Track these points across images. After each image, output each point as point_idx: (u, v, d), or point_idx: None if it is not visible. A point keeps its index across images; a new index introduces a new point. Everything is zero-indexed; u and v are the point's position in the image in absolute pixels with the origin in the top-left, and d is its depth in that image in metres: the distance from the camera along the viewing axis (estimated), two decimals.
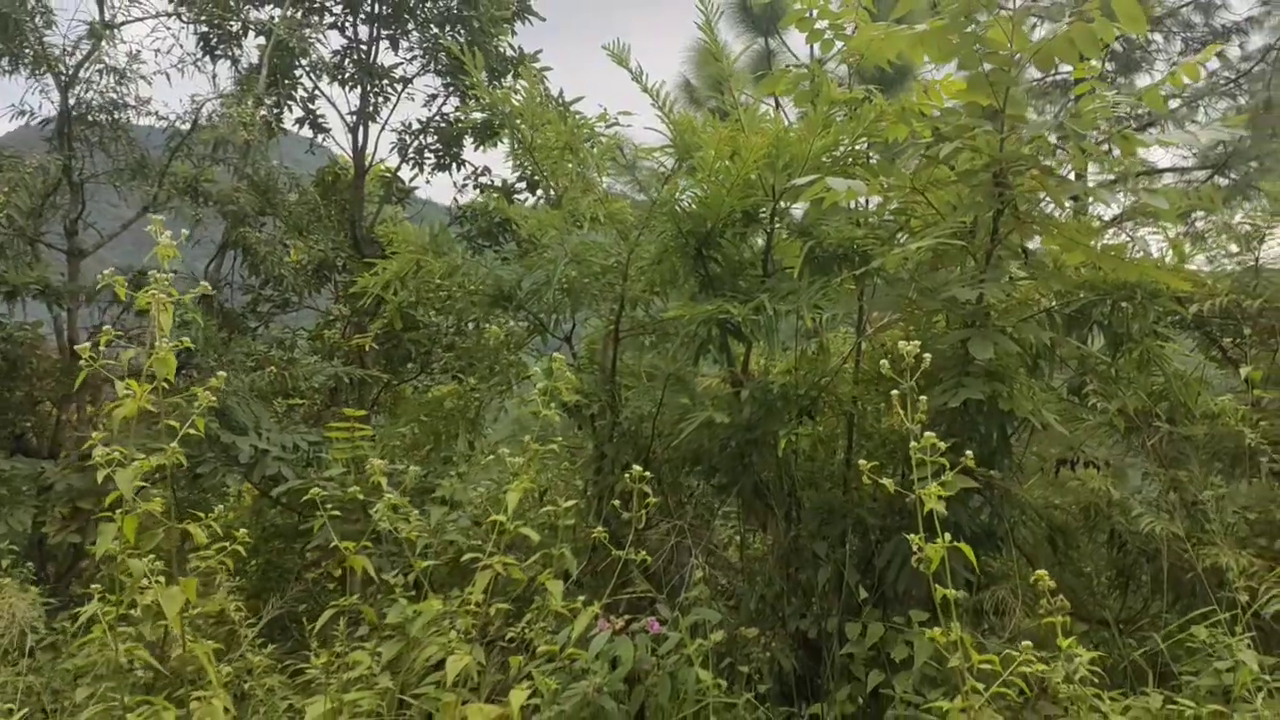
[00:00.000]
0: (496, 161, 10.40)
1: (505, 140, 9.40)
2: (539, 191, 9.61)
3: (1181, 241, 4.80)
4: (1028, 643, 2.92)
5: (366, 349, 7.94)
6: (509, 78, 9.83)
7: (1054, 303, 4.41)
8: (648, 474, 3.47)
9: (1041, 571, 3.25)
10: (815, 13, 4.71)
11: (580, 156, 4.75)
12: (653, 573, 4.13)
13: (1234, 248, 5.05)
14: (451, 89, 9.80)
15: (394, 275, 5.04)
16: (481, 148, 10.05)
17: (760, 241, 4.57)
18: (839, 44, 4.63)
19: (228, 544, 3.15)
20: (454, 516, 3.97)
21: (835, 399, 4.63)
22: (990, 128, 3.87)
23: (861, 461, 3.25)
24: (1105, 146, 3.91)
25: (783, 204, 4.42)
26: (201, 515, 3.11)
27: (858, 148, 4.38)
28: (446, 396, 5.61)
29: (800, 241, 4.44)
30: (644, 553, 3.66)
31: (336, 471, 5.38)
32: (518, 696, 3.13)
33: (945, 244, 3.81)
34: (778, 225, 4.48)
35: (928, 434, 2.69)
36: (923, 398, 3.06)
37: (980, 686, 2.87)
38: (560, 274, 4.39)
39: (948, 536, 2.82)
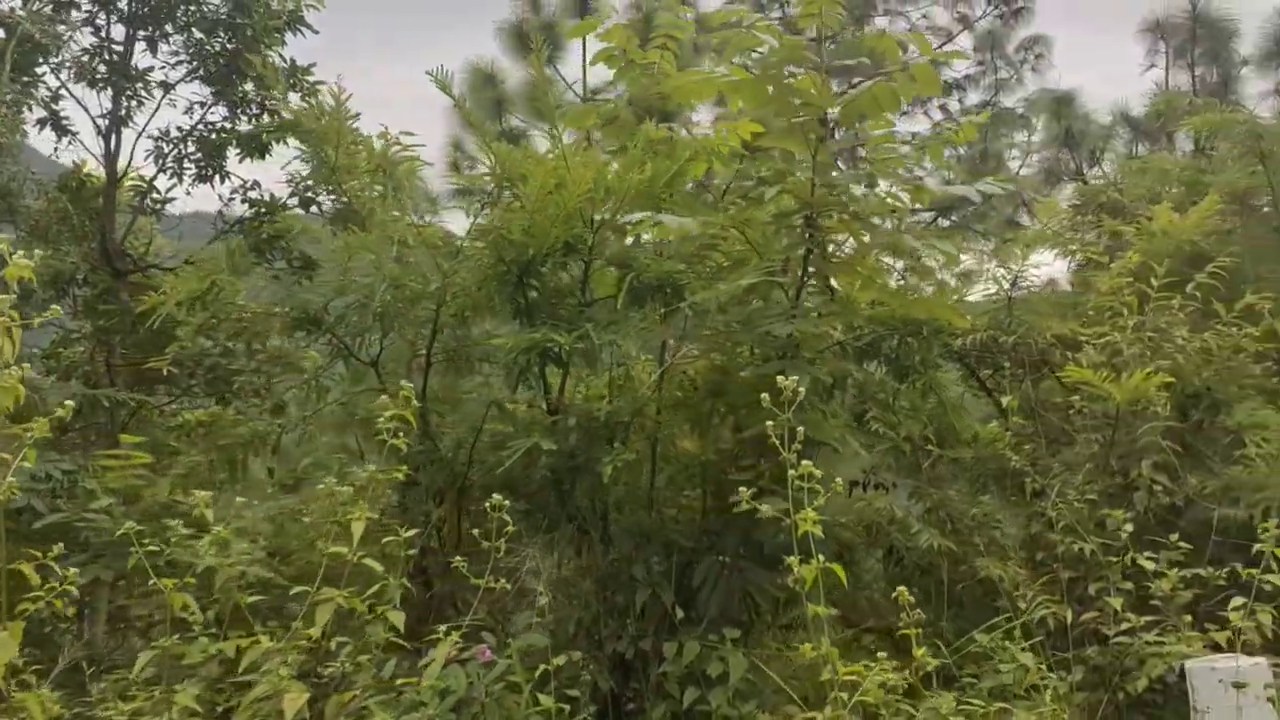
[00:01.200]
0: (265, 174, 9.92)
1: (278, 153, 9.10)
2: (312, 208, 9.33)
3: (945, 285, 5.30)
4: (882, 654, 3.14)
5: (165, 372, 7.36)
6: (281, 90, 9.51)
7: (844, 336, 4.77)
8: (505, 502, 3.48)
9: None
10: (624, 52, 4.93)
11: (394, 179, 4.70)
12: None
13: (992, 287, 5.65)
14: (219, 98, 9.33)
15: (188, 296, 4.78)
16: (249, 160, 9.60)
17: (577, 271, 4.67)
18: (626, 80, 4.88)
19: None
20: (249, 548, 3.79)
21: (642, 425, 4.78)
22: (799, 175, 4.17)
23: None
24: (895, 195, 4.29)
25: (599, 236, 4.55)
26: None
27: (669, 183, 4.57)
28: (211, 421, 5.35)
29: (617, 272, 4.58)
30: (501, 580, 3.64)
31: (104, 503, 5.02)
32: None
33: (763, 280, 4.05)
34: (593, 257, 4.59)
35: (805, 463, 2.85)
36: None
37: (844, 696, 3.06)
38: (381, 297, 4.31)
39: (821, 558, 3.01)
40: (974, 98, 16.45)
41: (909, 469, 5.35)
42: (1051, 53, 14.66)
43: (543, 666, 3.74)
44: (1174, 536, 4.27)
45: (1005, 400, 5.16)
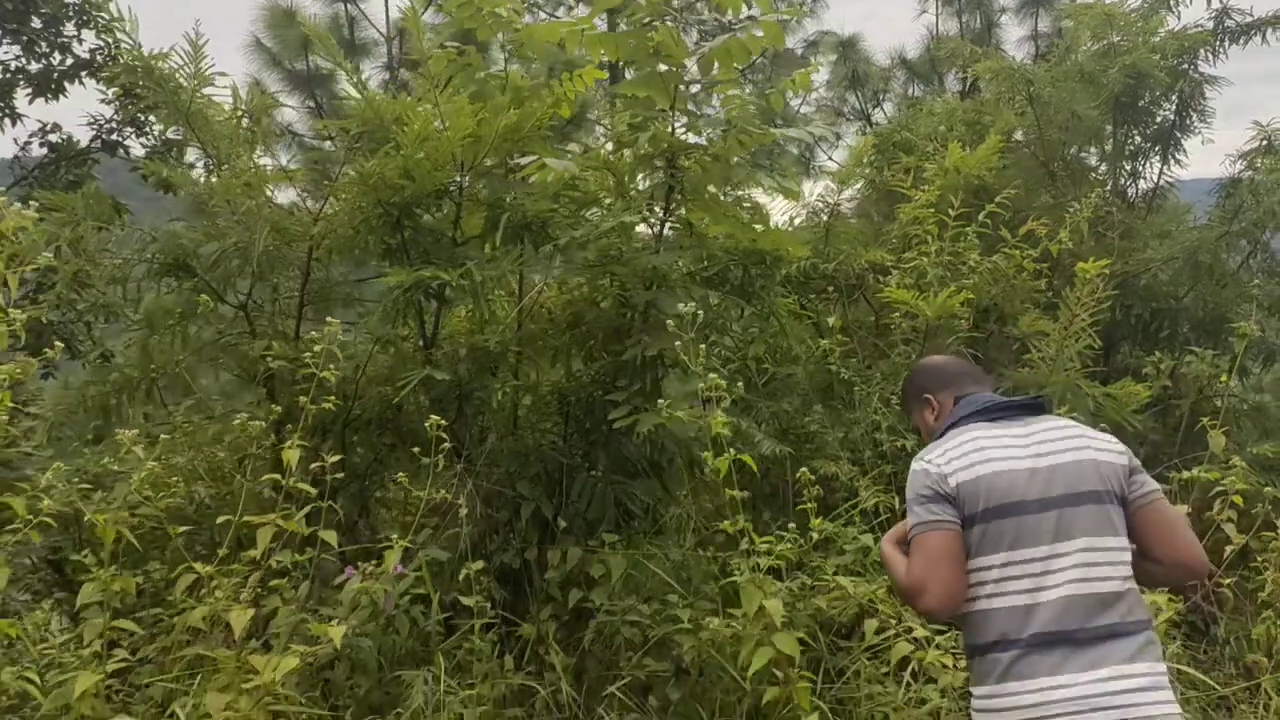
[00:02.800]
0: (63, 115, 9.44)
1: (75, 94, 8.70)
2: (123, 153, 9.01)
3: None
4: (792, 524, 3.68)
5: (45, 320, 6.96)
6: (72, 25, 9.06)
7: (694, 268, 5.25)
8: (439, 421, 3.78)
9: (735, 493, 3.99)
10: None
11: (262, 125, 4.80)
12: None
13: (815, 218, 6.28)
14: (10, 36, 8.80)
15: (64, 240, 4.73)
16: (45, 100, 9.12)
17: (449, 212, 4.93)
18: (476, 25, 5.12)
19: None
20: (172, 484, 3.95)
21: (517, 355, 5.15)
22: (659, 121, 4.59)
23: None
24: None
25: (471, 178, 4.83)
26: None
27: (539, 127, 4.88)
28: None
29: (487, 213, 4.88)
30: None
31: None
32: (286, 662, 3.31)
33: (631, 219, 4.47)
34: (465, 198, 4.87)
35: (713, 375, 3.27)
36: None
37: (760, 563, 3.57)
38: (265, 241, 4.46)
39: (733, 451, 3.45)
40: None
41: (750, 387, 5.93)
42: None
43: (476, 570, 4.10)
44: None
45: (830, 320, 5.79)
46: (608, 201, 4.91)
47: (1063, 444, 2.48)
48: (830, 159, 13.32)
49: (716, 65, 4.44)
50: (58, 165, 9.13)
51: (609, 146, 4.63)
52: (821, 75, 14.15)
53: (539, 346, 5.46)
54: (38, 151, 9.29)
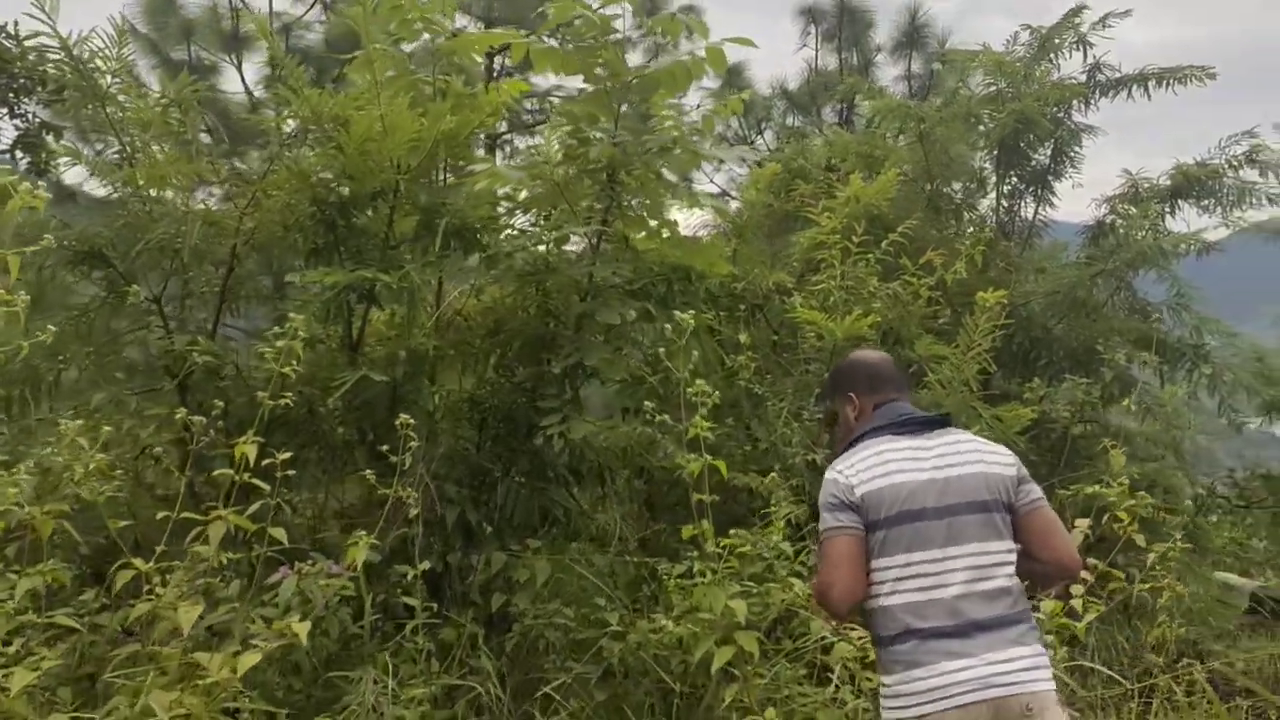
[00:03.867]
0: None
1: None
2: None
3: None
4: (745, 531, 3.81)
5: None
6: None
7: (618, 280, 5.38)
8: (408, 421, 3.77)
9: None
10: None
11: (188, 117, 4.70)
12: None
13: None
14: None
15: None
16: None
17: (384, 213, 4.92)
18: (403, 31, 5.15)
19: None
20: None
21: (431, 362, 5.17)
22: (601, 136, 4.72)
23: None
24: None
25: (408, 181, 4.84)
26: None
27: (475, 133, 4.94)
28: None
29: (422, 216, 4.90)
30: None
31: None
32: (248, 659, 3.28)
33: (573, 231, 4.58)
34: (400, 201, 4.88)
35: (699, 381, 3.38)
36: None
37: (715, 567, 3.69)
38: (197, 234, 4.36)
39: (709, 457, 3.57)
40: (634, 59, 17.42)
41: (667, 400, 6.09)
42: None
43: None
44: None
45: (741, 337, 6.00)
46: (544, 213, 4.99)
47: (959, 457, 2.77)
48: (712, 182, 13.69)
49: (659, 87, 4.59)
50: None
51: (553, 158, 4.71)
52: (693, 98, 14.49)
53: (454, 354, 5.48)
54: None
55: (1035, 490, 2.83)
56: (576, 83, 5.39)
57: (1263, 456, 8.84)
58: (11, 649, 3.27)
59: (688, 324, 3.08)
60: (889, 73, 14.03)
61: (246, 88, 11.71)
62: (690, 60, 4.55)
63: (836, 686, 4.15)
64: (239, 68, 12.11)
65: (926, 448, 2.79)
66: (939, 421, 2.90)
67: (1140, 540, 3.60)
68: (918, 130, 7.64)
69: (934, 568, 2.64)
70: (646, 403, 4.69)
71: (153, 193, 4.64)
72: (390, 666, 4.09)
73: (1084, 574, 3.87)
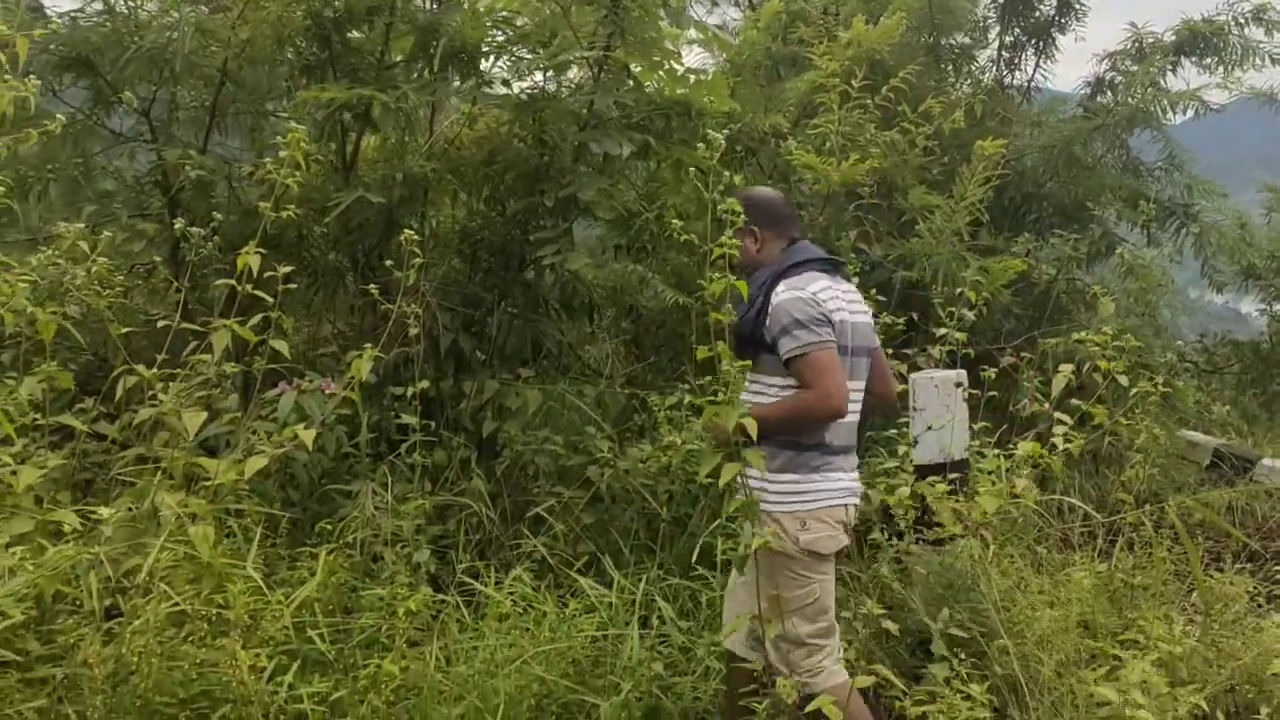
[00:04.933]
0: None
1: None
2: None
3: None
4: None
5: None
6: None
7: (617, 113, 5.30)
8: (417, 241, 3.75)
9: None
10: None
11: None
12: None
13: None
14: None
15: None
16: None
17: (380, 31, 4.79)
18: None
19: None
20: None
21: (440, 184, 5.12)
22: None
23: None
24: None
25: None
26: None
27: None
28: None
29: (419, 36, 4.77)
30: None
31: None
32: (255, 462, 3.34)
33: (575, 58, 4.48)
34: (395, 19, 4.74)
35: (730, 199, 3.33)
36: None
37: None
38: (189, 43, 4.23)
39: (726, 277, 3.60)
40: None
41: (654, 237, 6.08)
42: None
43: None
44: (872, 291, 5.35)
45: (736, 179, 5.93)
46: (543, 40, 4.86)
47: (859, 305, 3.19)
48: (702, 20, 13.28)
49: None
50: None
51: None
52: None
53: (448, 181, 5.42)
54: None
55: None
56: None
57: (1224, 330, 9.07)
58: (15, 449, 3.32)
59: (719, 142, 3.02)
60: None
61: None
62: None
63: None
64: None
65: (849, 291, 3.17)
66: (839, 265, 3.24)
67: (1124, 381, 3.69)
68: None
69: (854, 398, 3.09)
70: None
71: (137, 1, 4.46)
72: (388, 482, 4.18)
73: (1063, 416, 4.01)
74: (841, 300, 3.07)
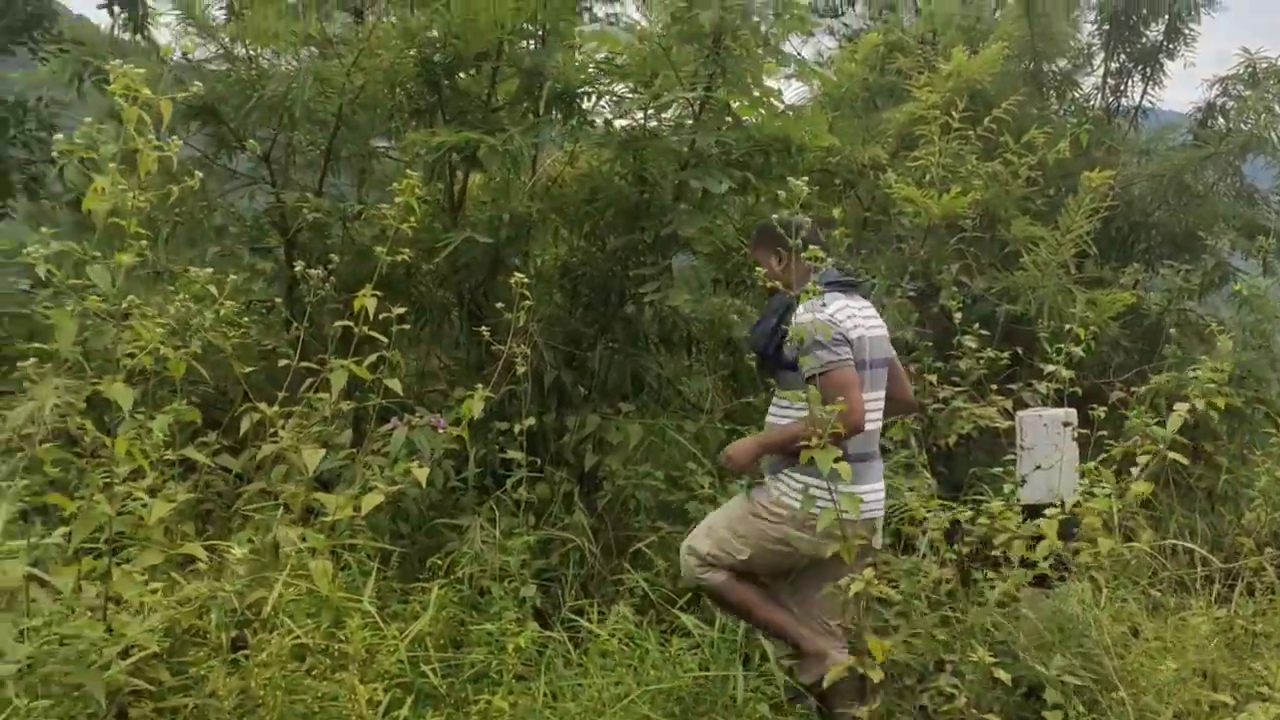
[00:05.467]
0: None
1: None
2: None
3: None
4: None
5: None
6: None
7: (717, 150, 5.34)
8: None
9: None
10: None
11: None
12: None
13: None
14: None
15: (72, 77, 4.63)
16: None
17: (487, 75, 4.92)
18: None
19: None
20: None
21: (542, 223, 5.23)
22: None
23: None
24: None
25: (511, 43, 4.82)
26: None
27: None
28: None
29: (525, 79, 4.90)
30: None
31: None
32: (371, 498, 3.45)
33: (677, 98, 4.55)
34: (503, 64, 4.87)
35: (813, 248, 3.37)
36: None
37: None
38: (307, 91, 4.41)
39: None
40: None
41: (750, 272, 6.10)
42: None
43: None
44: (976, 326, 5.28)
45: (835, 212, 5.94)
46: (644, 80, 4.94)
47: (876, 319, 3.49)
48: (799, 55, 13.28)
49: None
50: None
51: (652, 22, 4.64)
52: None
53: (551, 220, 5.52)
54: None
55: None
56: None
57: None
58: (146, 482, 3.49)
59: (800, 190, 3.09)
60: None
61: None
62: None
63: (922, 555, 4.24)
64: None
65: (865, 308, 3.49)
66: (859, 285, 3.64)
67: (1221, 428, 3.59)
68: (1024, 3, 7.34)
69: (873, 408, 3.39)
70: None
71: (256, 50, 4.67)
72: (494, 516, 4.27)
73: (1177, 456, 3.94)
74: (858, 317, 3.38)
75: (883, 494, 3.56)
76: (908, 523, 4.32)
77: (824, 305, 3.24)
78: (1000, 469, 4.66)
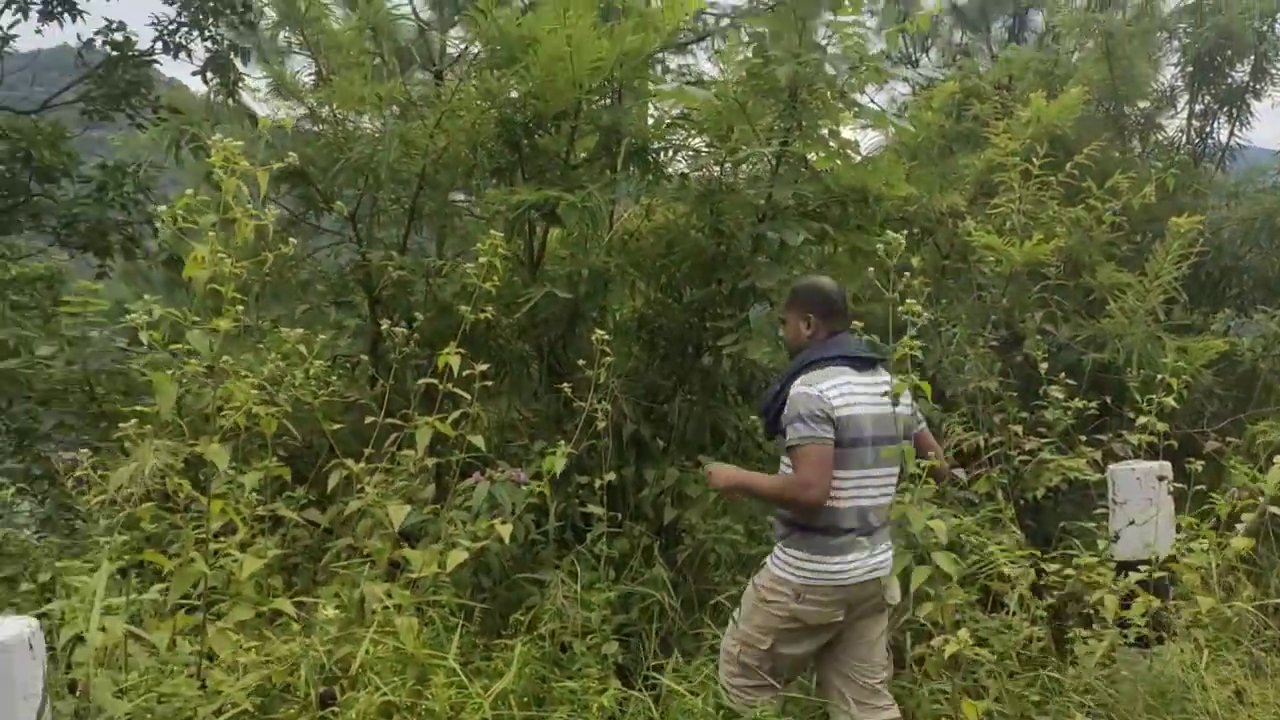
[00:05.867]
0: (129, 13, 9.33)
1: None
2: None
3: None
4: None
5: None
6: None
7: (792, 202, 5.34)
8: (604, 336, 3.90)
9: None
10: None
11: (384, 41, 4.86)
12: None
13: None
14: None
15: (170, 144, 4.83)
16: None
17: (565, 133, 5.00)
18: None
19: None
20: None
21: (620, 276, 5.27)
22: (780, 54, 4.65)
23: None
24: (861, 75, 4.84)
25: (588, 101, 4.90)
26: None
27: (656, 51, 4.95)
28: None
29: (602, 136, 4.97)
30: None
31: (47, 350, 5.13)
32: (455, 555, 3.49)
33: (755, 153, 4.58)
34: (581, 121, 4.94)
35: (910, 301, 3.35)
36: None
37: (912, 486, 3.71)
38: (392, 153, 4.54)
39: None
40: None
41: None
42: None
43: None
44: (1062, 375, 5.17)
45: (914, 260, 5.88)
46: (720, 134, 4.98)
47: (884, 398, 3.36)
48: (873, 103, 13.29)
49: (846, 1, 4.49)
50: (117, 65, 9.07)
51: (729, 76, 4.67)
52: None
53: (629, 274, 5.56)
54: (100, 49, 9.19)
55: (920, 416, 3.74)
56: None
57: None
58: (238, 537, 3.57)
59: (898, 243, 3.10)
60: None
61: (415, 11, 11.92)
62: None
63: (1011, 612, 4.13)
64: None
65: (871, 384, 3.43)
66: (874, 361, 3.53)
67: None
68: (1104, 45, 7.26)
69: (868, 484, 3.39)
70: None
71: (343, 113, 4.81)
72: (575, 570, 4.27)
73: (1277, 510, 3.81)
74: (857, 395, 3.37)
75: (882, 560, 3.48)
76: (996, 578, 4.23)
77: (822, 380, 3.33)
78: (1091, 523, 4.54)
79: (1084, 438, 4.91)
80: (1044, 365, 4.97)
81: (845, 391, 3.34)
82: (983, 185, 6.77)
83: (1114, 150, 7.15)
